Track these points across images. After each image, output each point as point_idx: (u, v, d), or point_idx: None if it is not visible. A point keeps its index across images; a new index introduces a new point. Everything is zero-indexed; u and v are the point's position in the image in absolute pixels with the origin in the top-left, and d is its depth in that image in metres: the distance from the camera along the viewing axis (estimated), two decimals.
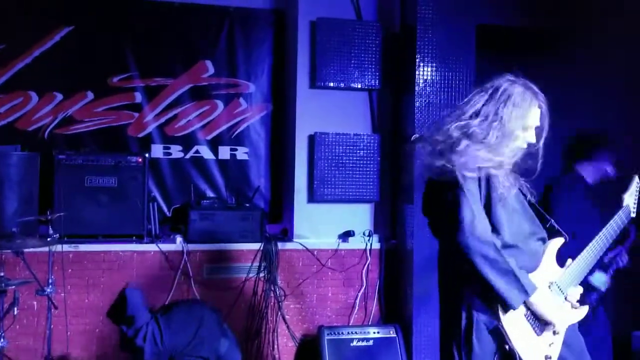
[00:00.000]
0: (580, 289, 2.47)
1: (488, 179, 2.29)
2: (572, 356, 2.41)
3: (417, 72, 4.34)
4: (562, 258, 2.47)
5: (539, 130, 2.39)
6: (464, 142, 2.29)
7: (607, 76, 4.50)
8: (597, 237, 2.50)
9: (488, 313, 2.26)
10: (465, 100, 2.44)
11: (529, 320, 2.31)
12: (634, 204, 2.64)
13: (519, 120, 2.32)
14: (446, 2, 4.36)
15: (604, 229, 2.52)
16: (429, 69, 4.36)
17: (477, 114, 2.34)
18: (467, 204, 2.22)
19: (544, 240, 2.44)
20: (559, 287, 2.39)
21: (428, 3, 4.33)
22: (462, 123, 2.34)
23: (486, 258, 2.19)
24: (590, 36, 4.44)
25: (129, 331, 3.70)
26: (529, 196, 2.40)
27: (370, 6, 4.62)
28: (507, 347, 2.24)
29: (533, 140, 2.37)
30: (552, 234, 2.48)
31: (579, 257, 2.46)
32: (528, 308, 2.30)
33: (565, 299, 2.40)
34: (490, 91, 2.37)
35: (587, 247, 2.48)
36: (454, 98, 4.40)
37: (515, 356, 2.24)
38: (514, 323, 2.27)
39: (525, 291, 2.22)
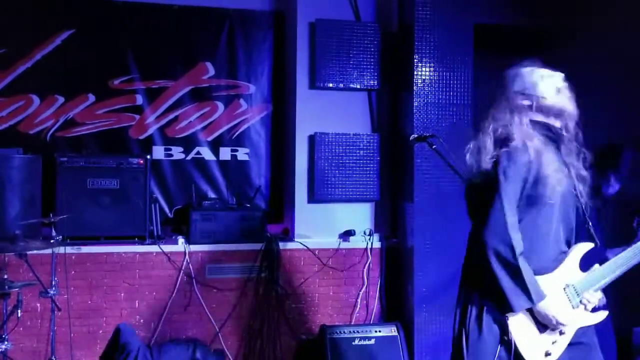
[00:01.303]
0: (600, 295, 2.44)
1: (536, 179, 2.31)
2: (582, 356, 2.42)
3: (415, 72, 4.37)
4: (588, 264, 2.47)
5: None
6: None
7: (606, 75, 4.52)
8: (630, 249, 2.47)
9: (495, 306, 2.32)
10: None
11: (531, 318, 2.34)
12: None
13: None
14: (444, 2, 4.39)
15: (638, 243, 2.48)
16: (427, 69, 4.39)
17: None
18: (500, 203, 2.26)
19: (571, 243, 2.45)
20: (575, 290, 2.39)
21: (426, 3, 4.36)
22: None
23: (499, 257, 2.25)
24: (589, 35, 4.46)
25: (120, 356, 3.69)
26: (579, 197, 2.41)
27: (368, 7, 4.64)
28: (506, 338, 2.29)
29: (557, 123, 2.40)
30: (584, 237, 2.49)
31: (605, 264, 2.44)
32: (531, 310, 2.32)
33: (580, 301, 2.40)
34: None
35: (619, 255, 2.46)
36: (452, 97, 4.43)
37: (511, 347, 2.28)
38: (517, 318, 2.31)
39: (530, 299, 2.26)
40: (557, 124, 2.42)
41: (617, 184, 3.75)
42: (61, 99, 4.53)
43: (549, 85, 2.41)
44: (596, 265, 2.45)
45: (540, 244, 2.36)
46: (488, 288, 2.31)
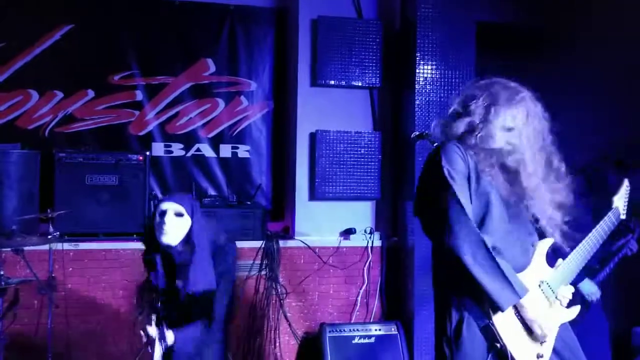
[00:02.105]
0: (572, 288, 2.44)
1: (478, 176, 2.28)
2: (566, 352, 2.39)
3: (417, 70, 4.35)
4: (552, 261, 2.47)
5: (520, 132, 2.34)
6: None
7: (606, 74, 4.52)
8: (586, 238, 2.50)
9: (479, 312, 2.24)
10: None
11: (519, 319, 2.29)
12: (624, 206, 2.70)
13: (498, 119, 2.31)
14: (446, 0, 4.38)
15: (593, 230, 2.54)
16: (429, 67, 4.37)
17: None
18: (455, 205, 2.20)
19: (534, 242, 2.42)
20: (549, 286, 2.37)
21: (428, 1, 4.35)
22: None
23: (475, 258, 2.17)
24: (590, 34, 4.45)
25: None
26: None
27: (370, 4, 4.64)
28: (498, 345, 2.22)
29: (514, 141, 2.32)
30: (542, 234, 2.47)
31: (569, 257, 2.45)
32: (517, 309, 2.27)
33: (556, 297, 2.39)
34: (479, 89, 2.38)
35: (577, 247, 2.48)
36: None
37: (507, 355, 2.22)
38: (505, 322, 2.25)
39: (516, 293, 2.20)
40: (499, 141, 2.30)
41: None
42: (60, 94, 4.50)
43: (515, 111, 2.32)
44: (560, 260, 2.45)
45: (506, 243, 2.30)
46: (468, 293, 2.24)
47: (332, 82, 4.50)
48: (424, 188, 2.40)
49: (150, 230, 2.98)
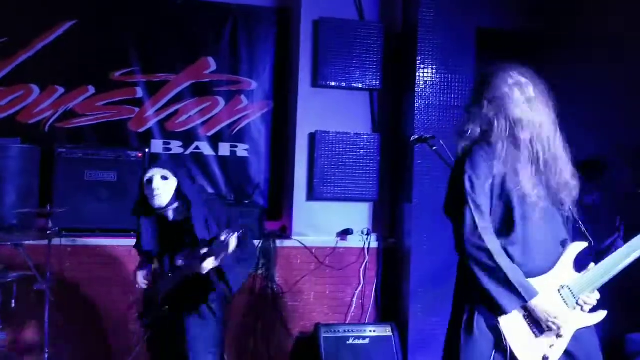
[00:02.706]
0: (597, 295, 2.43)
1: (504, 177, 2.32)
2: (582, 357, 2.40)
3: (417, 74, 4.37)
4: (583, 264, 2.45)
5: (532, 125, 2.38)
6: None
7: (607, 80, 4.54)
8: (626, 245, 2.45)
9: (487, 311, 2.32)
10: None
11: (527, 322, 2.34)
12: None
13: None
14: (447, 5, 4.40)
15: (633, 240, 2.45)
16: (430, 71, 4.39)
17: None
18: (469, 211, 2.28)
19: (564, 243, 2.44)
20: (571, 291, 2.38)
21: (429, 5, 4.37)
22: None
23: (479, 264, 2.27)
24: (590, 40, 4.47)
25: None
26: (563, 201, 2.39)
27: (372, 7, 4.65)
28: (502, 344, 2.28)
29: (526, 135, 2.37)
30: (577, 237, 2.48)
31: (601, 263, 2.42)
32: (527, 311, 2.32)
33: (577, 303, 2.39)
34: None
35: (614, 253, 2.43)
36: (453, 100, 4.43)
37: (507, 354, 2.27)
38: (511, 323, 2.31)
39: (520, 297, 2.26)
40: (525, 135, 2.36)
41: (596, 194, 3.81)
42: (61, 90, 4.51)
43: (518, 96, 2.37)
44: (591, 265, 2.43)
45: (531, 245, 2.34)
46: (478, 293, 2.32)
47: (333, 84, 4.51)
48: (450, 189, 2.47)
49: (143, 200, 3.19)
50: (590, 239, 2.44)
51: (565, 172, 2.38)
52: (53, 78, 4.48)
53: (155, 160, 3.78)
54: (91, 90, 4.56)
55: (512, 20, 4.53)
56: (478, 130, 2.39)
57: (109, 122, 4.59)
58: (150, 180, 3.10)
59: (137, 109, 4.64)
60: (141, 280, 3.28)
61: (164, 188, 3.09)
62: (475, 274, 2.28)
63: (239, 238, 2.92)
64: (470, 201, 2.29)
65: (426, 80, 4.39)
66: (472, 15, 4.45)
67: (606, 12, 4.38)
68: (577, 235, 2.47)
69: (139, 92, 4.63)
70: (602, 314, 2.43)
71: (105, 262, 4.17)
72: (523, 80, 2.39)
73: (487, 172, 2.32)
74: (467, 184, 2.30)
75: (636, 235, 2.47)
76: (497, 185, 2.33)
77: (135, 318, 3.41)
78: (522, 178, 2.32)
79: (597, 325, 3.90)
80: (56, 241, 3.84)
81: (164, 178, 3.10)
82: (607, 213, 2.68)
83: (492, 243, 2.28)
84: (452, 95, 4.44)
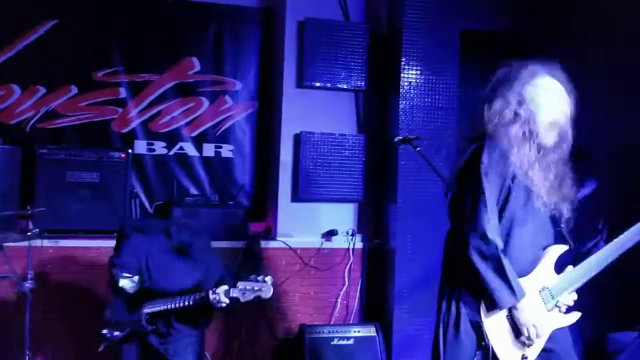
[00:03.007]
0: (574, 296, 2.48)
1: (513, 178, 2.34)
2: (557, 356, 2.44)
3: (402, 75, 4.38)
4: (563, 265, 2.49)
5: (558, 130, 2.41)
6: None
7: (593, 80, 4.58)
8: (605, 248, 2.48)
9: (474, 308, 2.34)
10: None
11: (509, 321, 2.36)
12: None
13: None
14: (432, 6, 4.42)
15: (615, 240, 2.49)
16: (414, 72, 4.40)
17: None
18: (483, 203, 2.29)
19: (547, 246, 2.47)
20: (550, 293, 2.41)
21: (414, 6, 4.38)
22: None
23: (483, 255, 2.27)
24: (572, 42, 4.51)
25: None
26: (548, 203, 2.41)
27: (357, 8, 4.65)
28: (483, 343, 2.30)
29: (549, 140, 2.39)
30: (557, 240, 2.50)
31: (580, 265, 2.46)
32: (510, 311, 2.34)
33: (556, 304, 2.43)
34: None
35: (593, 256, 2.47)
36: (438, 101, 4.45)
37: (489, 352, 2.29)
38: (493, 321, 2.34)
39: (515, 296, 2.29)
40: (548, 138, 2.39)
41: (589, 187, 3.84)
42: (43, 90, 4.46)
43: (545, 100, 2.39)
44: (569, 267, 2.47)
45: (521, 249, 2.38)
46: (469, 289, 2.34)
47: (318, 84, 4.51)
48: (460, 175, 2.46)
49: None
50: (571, 242, 2.46)
51: (570, 183, 2.42)
52: (34, 78, 4.43)
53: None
54: (73, 90, 4.51)
55: (496, 21, 4.56)
56: (496, 128, 2.39)
57: (92, 122, 4.54)
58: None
59: (120, 110, 4.60)
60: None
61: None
62: (477, 267, 2.27)
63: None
64: (485, 195, 2.29)
65: (411, 82, 4.40)
66: (457, 17, 4.47)
67: (591, 13, 4.42)
68: (557, 239, 2.50)
69: (122, 93, 4.59)
70: (576, 315, 2.47)
71: (88, 263, 4.12)
72: (552, 83, 2.42)
73: (503, 170, 2.34)
74: (482, 174, 2.30)
75: (616, 238, 2.50)
76: (505, 187, 2.35)
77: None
78: (533, 183, 2.34)
79: (580, 325, 3.96)
80: (37, 243, 3.80)
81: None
82: (595, 208, 2.69)
83: (498, 239, 2.30)
84: (437, 97, 4.45)
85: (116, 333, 3.24)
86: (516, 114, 2.38)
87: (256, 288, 2.82)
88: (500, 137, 2.37)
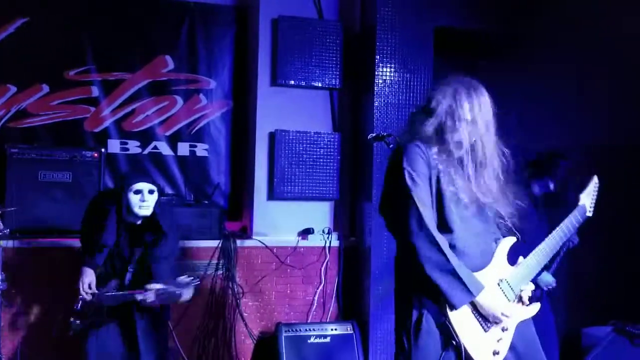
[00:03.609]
0: (532, 286, 2.52)
1: (439, 176, 2.34)
2: (524, 349, 2.46)
3: (376, 73, 4.40)
4: (514, 258, 2.52)
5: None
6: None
7: (561, 80, 4.64)
8: (550, 236, 2.54)
9: (436, 309, 2.32)
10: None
11: (476, 317, 2.37)
12: (591, 204, 2.68)
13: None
14: (406, 4, 4.43)
15: (557, 228, 2.56)
16: (388, 70, 4.42)
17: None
18: (415, 207, 2.28)
19: (497, 240, 2.49)
20: (509, 284, 2.44)
21: (387, 4, 4.39)
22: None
23: (430, 259, 2.26)
24: (545, 41, 4.57)
25: None
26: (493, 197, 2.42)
27: (331, 5, 4.65)
28: (454, 342, 2.29)
29: (477, 134, 2.40)
30: (505, 233, 2.53)
31: (531, 254, 2.50)
32: (474, 306, 2.35)
33: (516, 295, 2.45)
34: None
35: (540, 245, 2.52)
36: (412, 99, 4.47)
37: (461, 351, 2.29)
38: (461, 319, 2.33)
39: (469, 292, 2.28)
40: (463, 139, 2.38)
41: (550, 185, 3.97)
42: (13, 89, 4.39)
43: (463, 105, 2.38)
44: (520, 258, 2.50)
45: (468, 244, 2.38)
46: (426, 292, 2.32)
47: (292, 82, 4.50)
48: (387, 188, 2.47)
49: (119, 202, 3.33)
50: (518, 234, 2.49)
51: (494, 178, 2.41)
52: (5, 77, 4.35)
53: (137, 173, 3.93)
54: (45, 89, 4.45)
55: (469, 19, 4.59)
56: (430, 131, 2.39)
57: (64, 121, 4.48)
58: (138, 192, 3.29)
59: (92, 109, 4.54)
60: (87, 289, 3.32)
61: (150, 201, 3.30)
62: (425, 270, 2.26)
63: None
64: (414, 196, 2.28)
65: (385, 79, 4.42)
66: (431, 15, 4.49)
67: (564, 12, 4.48)
68: (505, 231, 2.52)
69: (95, 91, 4.54)
70: (537, 306, 2.50)
71: (61, 263, 4.07)
72: (468, 91, 2.41)
73: (425, 169, 2.33)
74: (408, 180, 2.30)
75: (557, 226, 2.56)
76: (433, 183, 2.35)
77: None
78: (455, 179, 2.34)
79: (548, 315, 4.01)
80: (8, 243, 3.74)
81: (151, 192, 3.32)
82: (573, 197, 2.73)
83: (440, 238, 2.29)
84: (411, 94, 4.47)
85: (78, 322, 3.33)
86: (436, 114, 2.40)
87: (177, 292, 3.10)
88: (420, 136, 2.39)
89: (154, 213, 3.34)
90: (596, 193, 2.71)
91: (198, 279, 3.18)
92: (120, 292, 3.28)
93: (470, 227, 2.39)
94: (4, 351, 3.78)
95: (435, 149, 2.36)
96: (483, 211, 2.43)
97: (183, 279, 3.13)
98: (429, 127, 2.39)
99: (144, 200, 3.27)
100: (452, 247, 2.33)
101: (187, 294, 3.15)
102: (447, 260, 2.26)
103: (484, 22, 4.61)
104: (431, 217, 2.31)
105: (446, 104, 2.39)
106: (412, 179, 2.30)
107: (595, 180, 2.72)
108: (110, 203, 3.38)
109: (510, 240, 2.48)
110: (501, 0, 4.60)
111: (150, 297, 3.11)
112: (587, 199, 2.67)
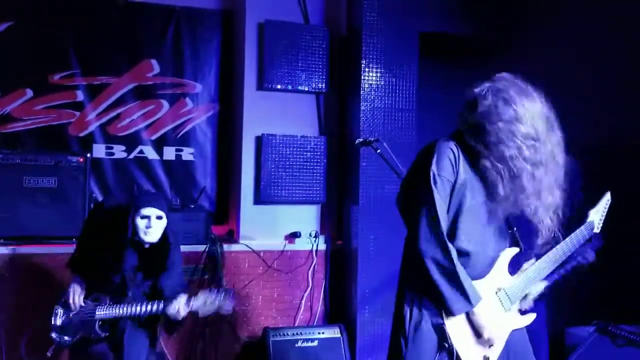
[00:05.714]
0: (531, 296, 2.55)
1: (463, 184, 2.33)
2: (515, 357, 2.47)
3: (362, 77, 4.42)
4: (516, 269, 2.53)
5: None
6: None
7: (547, 82, 4.69)
8: (553, 249, 2.52)
9: (435, 311, 2.35)
10: None
11: (469, 323, 2.39)
12: (600, 220, 2.65)
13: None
14: (391, 9, 4.47)
15: (562, 242, 2.52)
16: (374, 74, 4.45)
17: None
18: (434, 211, 2.28)
19: (502, 248, 2.49)
20: (507, 294, 2.45)
21: (373, 9, 4.42)
22: None
23: (437, 264, 2.28)
24: (527, 46, 4.61)
25: None
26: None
27: (317, 10, 4.67)
28: (446, 345, 2.32)
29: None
30: (510, 243, 2.52)
31: (533, 265, 2.51)
32: (468, 315, 2.36)
33: (512, 305, 2.46)
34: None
35: (543, 257, 2.51)
36: (397, 102, 4.51)
37: (453, 354, 2.32)
38: (456, 324, 2.35)
39: (469, 302, 2.30)
40: (499, 150, 2.30)
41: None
42: None
43: (509, 114, 2.30)
44: (524, 266, 2.52)
45: (474, 254, 2.39)
46: (428, 294, 2.34)
47: (279, 86, 4.51)
48: (409, 182, 2.45)
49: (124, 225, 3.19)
50: (522, 245, 2.48)
51: (523, 191, 2.33)
52: None
53: (148, 195, 3.79)
54: (29, 93, 4.41)
55: (454, 24, 4.63)
56: (479, 131, 2.30)
57: (48, 126, 4.46)
58: (145, 217, 3.16)
59: (77, 113, 4.52)
60: (77, 302, 3.22)
61: (157, 227, 3.18)
62: (430, 273, 2.28)
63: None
64: (434, 200, 2.27)
65: (371, 84, 4.44)
66: (416, 19, 4.53)
67: (549, 16, 4.53)
68: (511, 242, 2.52)
69: (80, 96, 4.51)
70: (532, 316, 2.52)
71: (47, 270, 4.04)
72: (520, 100, 2.37)
73: (451, 175, 2.32)
74: (432, 184, 2.29)
75: (562, 241, 2.53)
76: (456, 187, 2.33)
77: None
78: (477, 190, 2.33)
79: (543, 318, 4.03)
80: None
81: (159, 218, 3.19)
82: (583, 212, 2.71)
83: (450, 245, 2.29)
84: (397, 98, 4.51)
85: (66, 338, 3.22)
86: (480, 124, 2.30)
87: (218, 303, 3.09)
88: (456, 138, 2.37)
89: (164, 239, 3.23)
90: (606, 209, 2.67)
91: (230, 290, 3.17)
92: (132, 305, 3.13)
93: (481, 236, 2.39)
94: None
95: (466, 156, 2.32)
96: (496, 221, 2.41)
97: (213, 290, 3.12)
98: (470, 127, 2.32)
99: (149, 227, 3.14)
100: (461, 254, 2.33)
101: (229, 305, 3.14)
102: (454, 268, 2.27)
103: (468, 27, 4.66)
104: (444, 222, 2.31)
105: (491, 106, 2.29)
106: (435, 181, 2.29)
107: (607, 197, 2.68)
108: (117, 221, 3.22)
109: (513, 250, 2.48)
110: (486, 6, 4.65)
111: (183, 308, 3.07)
112: (597, 215, 2.64)
